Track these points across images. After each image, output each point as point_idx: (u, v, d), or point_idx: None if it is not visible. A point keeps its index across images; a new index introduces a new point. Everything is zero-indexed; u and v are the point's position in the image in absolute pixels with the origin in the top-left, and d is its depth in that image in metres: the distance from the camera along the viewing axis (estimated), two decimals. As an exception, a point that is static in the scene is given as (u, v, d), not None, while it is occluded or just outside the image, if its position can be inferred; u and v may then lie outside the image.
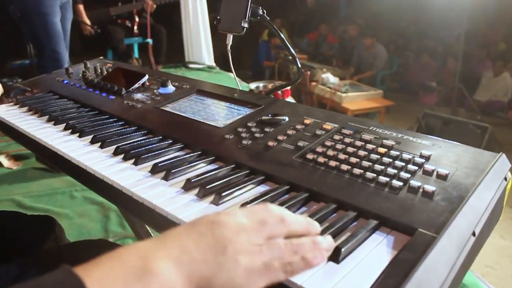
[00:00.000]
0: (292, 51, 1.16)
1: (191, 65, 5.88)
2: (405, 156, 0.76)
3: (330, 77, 5.68)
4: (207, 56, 6.04)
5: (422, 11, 7.28)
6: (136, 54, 5.23)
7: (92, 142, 0.96)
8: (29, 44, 4.50)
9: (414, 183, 0.68)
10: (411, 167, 0.73)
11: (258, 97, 1.12)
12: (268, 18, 1.14)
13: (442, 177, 0.70)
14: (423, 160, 0.75)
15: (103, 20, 4.78)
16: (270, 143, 0.86)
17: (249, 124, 0.95)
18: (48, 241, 1.02)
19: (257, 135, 0.90)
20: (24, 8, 2.88)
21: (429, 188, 0.67)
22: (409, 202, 0.65)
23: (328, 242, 0.54)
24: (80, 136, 0.99)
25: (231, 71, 1.18)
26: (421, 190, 0.67)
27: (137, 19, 5.10)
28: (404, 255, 0.56)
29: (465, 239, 0.61)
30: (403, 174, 0.71)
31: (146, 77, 1.27)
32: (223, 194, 0.70)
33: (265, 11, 1.15)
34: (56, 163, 0.94)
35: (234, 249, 0.48)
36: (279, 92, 3.35)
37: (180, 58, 6.14)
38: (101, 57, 1.66)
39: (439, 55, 6.98)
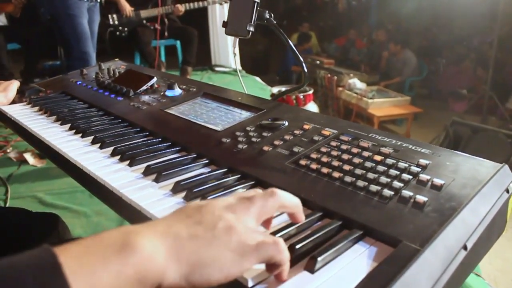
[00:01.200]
0: (299, 56, 1.14)
1: (217, 68, 5.92)
2: (401, 164, 0.74)
3: (357, 83, 5.61)
4: (233, 60, 6.06)
5: (454, 17, 7.12)
6: (162, 56, 5.29)
7: (93, 142, 0.97)
8: (58, 45, 4.62)
9: (405, 192, 0.66)
10: (405, 176, 0.70)
11: (263, 101, 1.11)
12: (275, 22, 1.13)
13: (436, 188, 0.67)
14: (419, 169, 0.72)
15: (132, 22, 4.86)
16: (265, 148, 0.85)
17: (248, 128, 0.94)
18: (51, 239, 1.03)
19: (254, 139, 0.89)
20: (53, 10, 2.97)
21: (421, 198, 0.64)
22: (397, 212, 0.63)
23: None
24: (82, 136, 1.00)
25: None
26: (412, 200, 0.65)
27: (166, 22, 5.16)
28: (382, 268, 0.54)
29: (453, 253, 0.58)
30: (396, 183, 0.68)
31: (155, 79, 1.27)
32: (209, 198, 0.69)
33: (272, 15, 1.14)
34: (57, 162, 0.95)
35: (225, 226, 0.47)
36: (301, 96, 3.34)
37: (207, 61, 6.19)
38: (117, 59, 1.68)
39: (470, 62, 6.80)
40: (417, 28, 7.61)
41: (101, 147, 0.94)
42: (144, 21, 4.97)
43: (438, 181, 0.68)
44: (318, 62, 6.84)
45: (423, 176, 0.69)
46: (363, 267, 0.55)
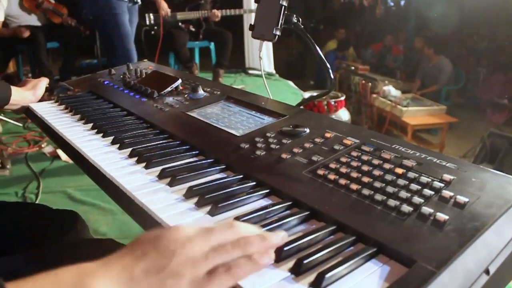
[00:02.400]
0: (325, 60, 1.11)
1: (250, 71, 5.93)
2: (423, 179, 0.70)
3: (391, 90, 5.50)
4: (268, 63, 6.06)
5: (497, 25, 6.89)
6: (196, 58, 5.33)
7: (113, 142, 0.97)
8: (96, 44, 4.73)
9: (425, 209, 0.62)
10: (426, 191, 0.67)
11: (286, 107, 1.09)
12: (302, 27, 1.11)
13: (459, 205, 0.63)
14: (442, 185, 0.68)
15: (168, 23, 4.91)
16: (284, 156, 0.82)
17: (268, 134, 0.92)
18: (69, 236, 1.04)
19: (273, 146, 0.87)
20: (95, 10, 3.02)
21: (441, 216, 0.60)
22: (415, 230, 0.60)
23: (279, 238, 0.52)
24: (103, 136, 1.01)
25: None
26: (431, 218, 0.61)
27: (203, 25, 5.20)
28: (394, 289, 0.51)
29: (473, 277, 0.54)
30: (416, 199, 0.65)
31: (179, 81, 1.27)
32: (220, 205, 0.67)
33: (300, 19, 1.12)
34: (77, 161, 0.95)
35: (177, 263, 0.46)
36: (332, 103, 3.29)
37: (241, 64, 6.21)
38: (145, 60, 1.70)
39: (512, 72, 6.55)
40: (457, 36, 7.40)
41: (120, 148, 0.94)
42: (180, 23, 5.02)
43: (461, 199, 0.64)
44: (352, 68, 6.75)
45: (446, 193, 0.66)
46: (373, 287, 0.52)
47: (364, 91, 5.77)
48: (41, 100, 1.35)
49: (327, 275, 0.51)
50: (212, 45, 5.25)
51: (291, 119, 0.99)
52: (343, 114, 3.42)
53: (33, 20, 4.65)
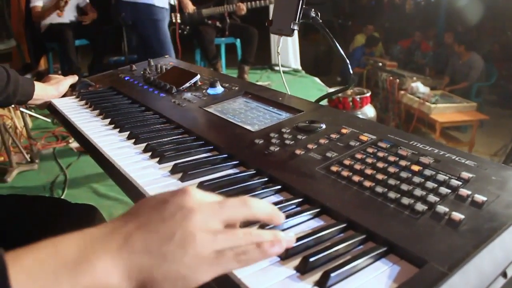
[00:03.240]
0: (343, 55, 1.09)
1: (276, 68, 5.90)
2: (440, 176, 0.67)
3: (420, 87, 5.39)
4: (294, 60, 6.03)
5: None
6: (222, 54, 5.34)
7: (128, 137, 0.97)
8: (123, 42, 4.79)
9: (440, 208, 0.60)
10: (443, 189, 0.64)
11: (304, 103, 1.07)
12: (321, 21, 1.09)
13: (477, 205, 0.61)
14: (459, 183, 0.65)
15: (194, 20, 4.94)
16: (298, 152, 0.81)
17: (283, 130, 0.91)
18: None
19: (287, 141, 0.85)
20: (136, 16, 3.02)
21: (456, 215, 0.58)
22: (428, 229, 0.57)
23: (288, 240, 0.50)
24: (120, 131, 1.01)
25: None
26: (446, 217, 0.59)
27: (228, 21, 5.21)
28: (403, 291, 0.49)
29: (488, 280, 0.52)
30: (431, 197, 0.62)
31: (198, 77, 1.27)
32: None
33: (318, 14, 1.10)
34: (93, 155, 0.96)
35: (182, 236, 0.44)
36: (358, 99, 3.24)
37: (267, 60, 6.19)
38: (167, 56, 1.70)
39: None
40: (490, 31, 7.20)
41: (135, 143, 0.94)
42: (206, 20, 5.04)
43: (479, 198, 0.61)
44: (380, 64, 6.64)
45: (463, 191, 0.63)
46: (381, 287, 0.50)
47: (391, 87, 5.67)
48: (64, 96, 1.37)
49: (333, 274, 0.50)
50: (238, 42, 5.25)
51: (308, 114, 0.98)
52: (369, 111, 3.37)
53: (67, 17, 4.75)
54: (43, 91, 1.32)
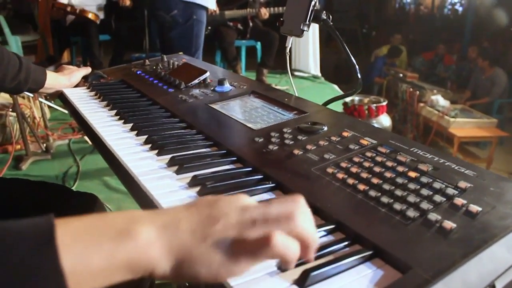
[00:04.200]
0: (352, 59, 1.08)
1: (296, 73, 5.89)
2: (437, 184, 0.66)
3: (440, 100, 5.32)
4: (313, 66, 6.01)
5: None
6: (243, 57, 5.36)
7: (131, 129, 0.98)
8: (145, 39, 4.84)
9: (433, 215, 0.59)
10: (437, 197, 0.63)
11: (310, 104, 1.06)
12: (331, 23, 1.08)
13: (471, 214, 0.59)
14: (455, 192, 0.64)
15: (216, 21, 4.97)
16: (296, 152, 0.80)
17: (284, 130, 0.90)
18: None
19: (287, 141, 0.85)
20: (189, 15, 3.00)
21: (448, 224, 0.57)
22: (417, 236, 0.56)
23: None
24: (124, 123, 1.02)
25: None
26: (437, 224, 0.57)
27: (250, 24, 5.22)
28: (382, 295, 0.48)
29: (474, 292, 0.50)
30: (424, 204, 0.61)
31: (207, 74, 1.27)
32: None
33: (330, 16, 1.09)
34: (95, 144, 0.97)
35: (226, 222, 0.45)
36: (373, 107, 3.21)
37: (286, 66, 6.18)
38: (181, 53, 1.71)
39: None
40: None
41: (137, 134, 0.94)
42: (228, 21, 5.06)
43: (474, 207, 0.60)
44: (401, 75, 6.58)
45: (459, 200, 0.62)
46: (361, 290, 0.49)
47: (411, 99, 5.61)
48: (76, 87, 1.39)
49: (312, 274, 0.49)
50: (258, 45, 5.26)
51: (312, 116, 0.97)
52: (384, 120, 3.33)
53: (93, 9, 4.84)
54: (55, 81, 1.34)
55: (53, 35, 5.36)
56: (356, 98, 3.85)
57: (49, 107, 3.44)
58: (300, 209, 0.48)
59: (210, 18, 4.89)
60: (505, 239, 0.55)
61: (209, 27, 4.95)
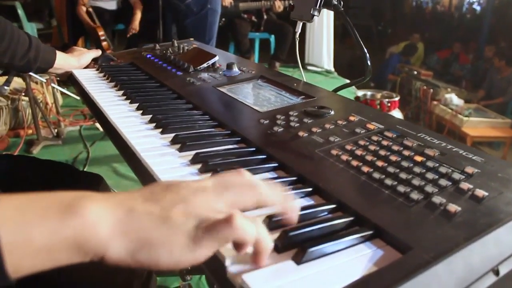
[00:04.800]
0: (365, 49, 1.05)
1: (309, 67, 5.85)
2: (443, 169, 0.64)
3: (453, 98, 5.25)
4: (327, 61, 5.96)
5: None
6: (256, 50, 5.33)
7: (137, 108, 0.97)
8: (158, 29, 4.84)
9: (437, 198, 0.57)
10: (443, 181, 0.61)
11: (318, 90, 1.05)
12: (342, 9, 1.06)
13: (476, 199, 0.57)
14: (462, 177, 0.62)
15: (230, 13, 4.95)
16: (300, 133, 0.79)
17: (291, 113, 0.89)
18: None
19: (292, 124, 0.83)
20: (203, 4, 2.99)
21: (452, 207, 0.55)
22: (420, 218, 0.55)
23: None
24: (130, 103, 1.02)
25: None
26: (442, 207, 0.56)
27: (264, 16, 5.20)
28: (380, 273, 0.46)
29: (476, 274, 0.49)
30: (429, 187, 0.59)
31: (216, 58, 1.26)
32: (221, 172, 0.65)
33: (342, 2, 1.07)
34: (101, 122, 0.97)
35: (186, 207, 0.43)
36: (386, 102, 3.18)
37: (300, 59, 6.14)
38: (192, 39, 1.70)
39: None
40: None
41: (142, 114, 0.94)
42: (242, 13, 5.04)
43: (480, 192, 0.58)
44: (415, 72, 6.50)
45: (465, 184, 0.60)
46: (359, 269, 0.48)
47: (424, 97, 5.54)
48: (86, 68, 1.39)
49: (309, 250, 0.48)
50: (272, 38, 5.23)
51: (319, 101, 0.96)
52: (396, 115, 3.29)
53: (112, 5, 4.85)
54: (64, 61, 1.34)
55: (68, 23, 5.39)
56: (369, 92, 3.81)
57: (62, 93, 3.46)
58: (253, 180, 0.49)
59: (224, 10, 4.89)
60: (511, 224, 0.53)
61: (223, 19, 4.94)
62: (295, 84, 1.07)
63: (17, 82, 3.11)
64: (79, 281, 0.79)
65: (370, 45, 8.21)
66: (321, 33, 5.81)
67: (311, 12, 1.05)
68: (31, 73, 2.79)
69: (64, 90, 3.42)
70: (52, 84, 3.18)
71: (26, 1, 6.14)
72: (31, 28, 5.07)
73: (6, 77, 2.77)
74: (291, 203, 0.51)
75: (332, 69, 5.99)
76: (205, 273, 0.41)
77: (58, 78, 3.35)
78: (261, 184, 0.49)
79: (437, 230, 0.52)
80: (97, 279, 0.80)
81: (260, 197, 0.48)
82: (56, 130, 3.08)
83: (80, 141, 3.07)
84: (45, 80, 3.12)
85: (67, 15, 5.41)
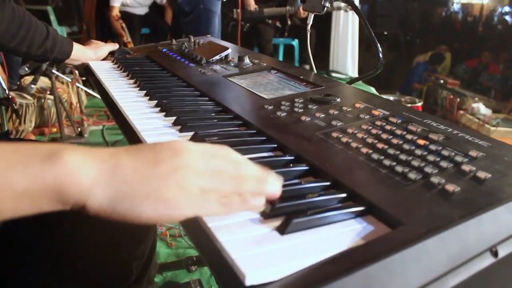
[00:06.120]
0: (376, 41, 1.03)
1: (333, 74, 5.82)
2: (446, 152, 0.62)
3: (481, 107, 5.12)
4: (351, 67, 5.92)
5: None
6: (280, 55, 5.34)
7: (145, 95, 0.98)
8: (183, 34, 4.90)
9: (435, 178, 0.55)
10: (444, 163, 0.59)
11: (328, 80, 1.03)
12: (353, 1, 1.05)
13: (478, 180, 0.55)
14: (465, 159, 0.60)
15: (255, 18, 4.97)
16: (303, 118, 0.77)
17: (296, 100, 0.87)
18: None
19: (296, 109, 0.82)
20: (195, 4, 3.01)
21: (451, 187, 0.53)
22: (415, 196, 0.52)
23: (272, 193, 0.49)
24: (140, 90, 1.02)
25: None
26: (439, 187, 0.53)
27: (288, 22, 5.20)
28: (366, 246, 0.45)
29: (472, 253, 0.46)
30: (428, 168, 0.57)
31: (229, 50, 1.26)
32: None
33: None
34: (109, 107, 0.97)
35: (171, 165, 0.44)
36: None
37: (324, 66, 6.12)
38: (209, 35, 1.71)
39: None
40: None
41: (150, 99, 0.94)
42: (267, 19, 5.05)
43: (482, 173, 0.55)
44: (441, 81, 6.38)
45: (467, 166, 0.57)
46: (345, 242, 0.46)
47: (450, 106, 5.43)
48: (103, 61, 1.41)
49: (295, 221, 0.46)
50: (295, 43, 5.23)
51: (327, 90, 0.94)
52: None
53: (142, 10, 4.95)
54: (81, 53, 1.36)
55: (97, 27, 5.51)
56: (391, 98, 3.75)
57: (87, 94, 3.53)
58: (239, 161, 0.49)
59: (249, 15, 4.91)
60: (511, 204, 0.50)
61: (247, 24, 4.97)
62: (306, 75, 1.06)
63: (44, 81, 3.18)
64: (77, 262, 0.79)
65: (397, 54, 8.12)
66: (346, 40, 5.78)
67: (322, 3, 1.04)
68: (57, 73, 2.86)
69: (89, 91, 3.48)
70: (77, 84, 3.24)
71: (57, 6, 6.32)
72: (61, 32, 5.18)
73: (33, 76, 2.86)
74: (272, 180, 0.50)
75: (357, 75, 5.93)
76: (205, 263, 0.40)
77: (83, 78, 3.43)
78: (244, 161, 0.50)
79: (432, 208, 0.50)
80: (95, 260, 0.80)
81: (240, 172, 0.48)
82: (79, 129, 3.13)
83: (102, 140, 3.11)
84: (70, 80, 3.19)
85: (96, 20, 5.54)
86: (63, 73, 3.35)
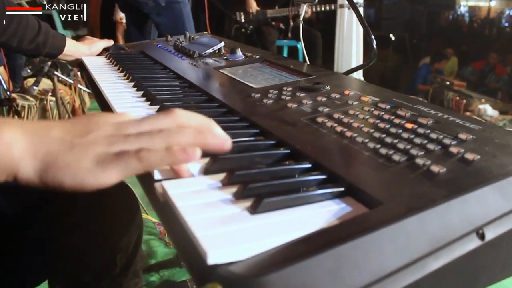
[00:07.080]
0: (370, 31, 1.01)
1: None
2: (434, 135, 0.59)
3: (488, 109, 5.07)
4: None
5: None
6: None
7: (134, 86, 0.96)
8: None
9: (421, 160, 0.52)
10: (431, 145, 0.56)
11: (319, 70, 1.01)
12: (348, -13, 1.02)
13: (466, 161, 0.52)
14: (454, 142, 0.57)
15: (258, 20, 4.96)
16: (289, 104, 0.75)
17: (284, 88, 0.85)
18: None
19: (283, 97, 0.80)
20: None
21: (436, 167, 0.50)
22: (398, 177, 0.50)
23: (218, 138, 0.48)
24: (129, 81, 1.01)
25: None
26: (424, 168, 0.51)
27: (291, 23, 5.19)
28: (339, 226, 0.42)
29: (455, 234, 0.43)
30: (414, 150, 0.54)
31: (222, 44, 1.24)
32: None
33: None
34: (97, 98, 0.96)
35: (95, 135, 0.45)
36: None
37: (329, 68, 6.10)
38: (205, 32, 1.70)
39: None
40: None
41: (137, 90, 0.93)
42: (270, 20, 5.04)
43: (470, 155, 0.53)
44: (447, 83, 6.33)
45: (455, 148, 0.55)
46: (319, 222, 0.43)
47: (457, 108, 5.38)
48: (97, 57, 1.40)
49: (266, 200, 0.44)
50: (299, 45, 5.21)
51: (317, 78, 0.92)
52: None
53: None
54: (75, 48, 1.35)
55: (101, 32, 5.53)
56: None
57: (91, 97, 3.53)
58: (175, 121, 0.48)
59: (252, 17, 4.91)
60: (499, 184, 0.48)
61: (251, 27, 4.96)
62: (298, 66, 1.03)
63: (46, 83, 3.19)
64: (58, 253, 0.77)
65: (402, 57, 8.07)
66: (350, 41, 5.75)
67: (314, -8, 1.02)
68: (59, 74, 2.86)
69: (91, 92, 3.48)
70: (79, 85, 3.24)
71: (62, 10, 6.35)
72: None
73: (35, 78, 2.86)
74: (214, 131, 0.49)
75: (362, 78, 5.90)
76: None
77: (83, 79, 3.42)
78: (180, 111, 0.49)
79: (415, 189, 0.47)
80: (77, 251, 0.78)
81: (179, 120, 0.48)
82: (81, 131, 3.12)
83: (104, 142, 3.10)
84: (72, 81, 3.19)
85: (100, 25, 5.57)
86: (67, 75, 3.36)
